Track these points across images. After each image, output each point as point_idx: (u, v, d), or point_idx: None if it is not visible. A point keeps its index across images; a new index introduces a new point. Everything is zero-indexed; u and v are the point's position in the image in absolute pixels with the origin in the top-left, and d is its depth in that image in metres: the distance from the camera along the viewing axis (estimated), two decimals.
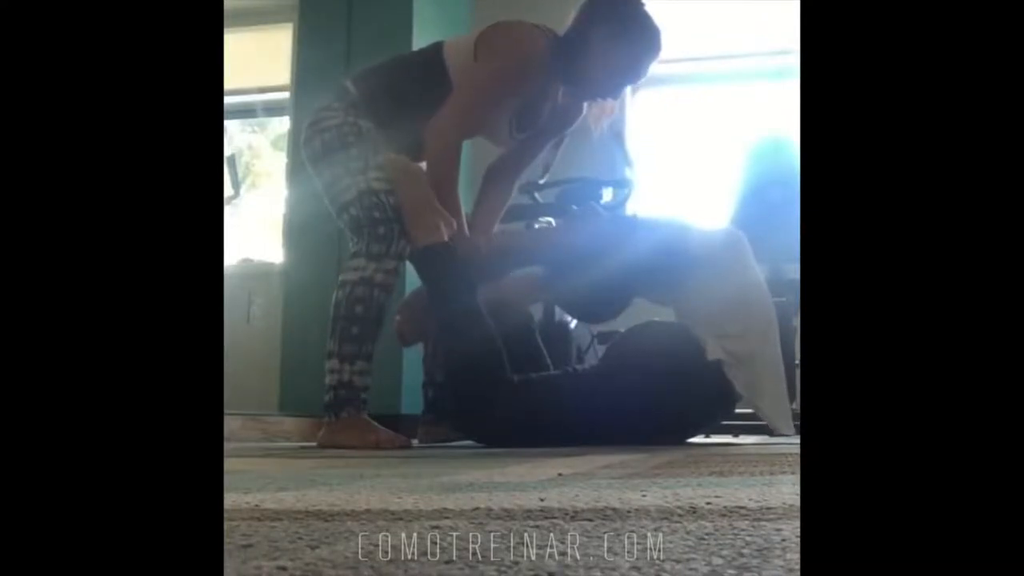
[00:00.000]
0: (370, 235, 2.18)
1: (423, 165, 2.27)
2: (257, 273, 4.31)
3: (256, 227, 4.78)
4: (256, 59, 4.56)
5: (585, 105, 2.47)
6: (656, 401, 2.02)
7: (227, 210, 4.63)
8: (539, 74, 2.28)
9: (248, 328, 4.15)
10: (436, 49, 2.34)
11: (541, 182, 3.50)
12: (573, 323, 3.38)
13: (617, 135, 3.16)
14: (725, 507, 0.64)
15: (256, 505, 0.71)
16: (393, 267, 2.19)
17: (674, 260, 2.14)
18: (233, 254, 4.39)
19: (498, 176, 2.55)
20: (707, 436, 2.87)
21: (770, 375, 2.09)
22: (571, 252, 2.19)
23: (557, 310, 3.28)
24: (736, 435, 3.11)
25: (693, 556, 0.44)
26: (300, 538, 0.52)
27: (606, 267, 2.12)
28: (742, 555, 0.44)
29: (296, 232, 3.93)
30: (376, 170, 2.21)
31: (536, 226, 3.41)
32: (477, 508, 0.66)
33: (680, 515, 0.60)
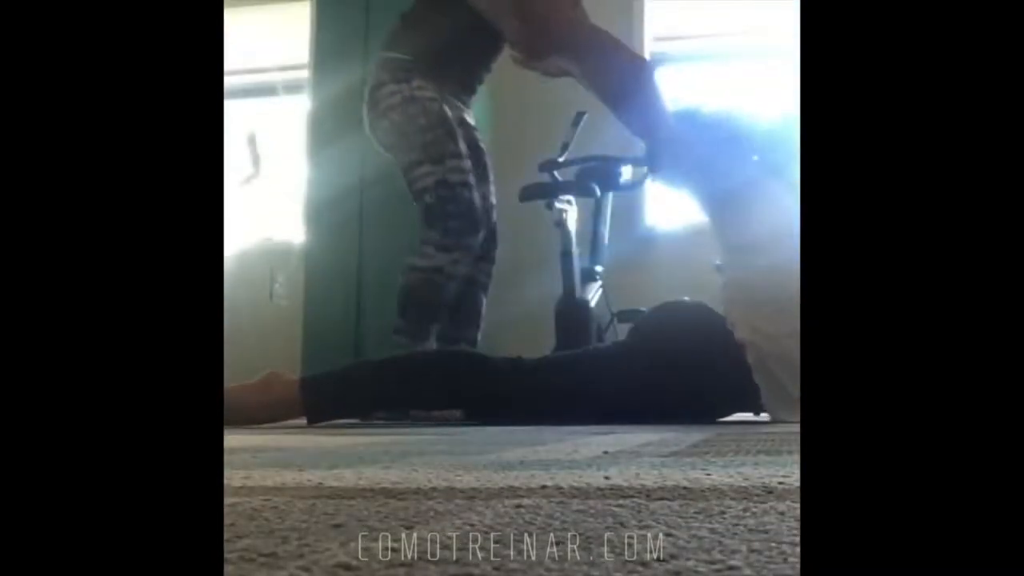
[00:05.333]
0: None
1: None
2: (279, 251, 4.32)
3: (277, 206, 4.78)
4: (275, 36, 4.54)
5: None
6: (679, 380, 2.03)
7: (248, 189, 4.64)
8: None
9: (271, 306, 4.16)
10: None
11: (560, 160, 3.48)
12: (593, 302, 3.37)
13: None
14: (797, 486, 0.64)
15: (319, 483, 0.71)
16: None
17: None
18: (255, 233, 4.40)
19: None
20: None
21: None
22: None
23: (577, 288, 3.28)
24: (757, 413, 3.09)
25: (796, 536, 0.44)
26: (391, 515, 0.52)
27: None
28: None
29: (317, 211, 3.94)
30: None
31: (557, 205, 3.38)
32: (545, 486, 0.66)
33: (758, 494, 0.60)
